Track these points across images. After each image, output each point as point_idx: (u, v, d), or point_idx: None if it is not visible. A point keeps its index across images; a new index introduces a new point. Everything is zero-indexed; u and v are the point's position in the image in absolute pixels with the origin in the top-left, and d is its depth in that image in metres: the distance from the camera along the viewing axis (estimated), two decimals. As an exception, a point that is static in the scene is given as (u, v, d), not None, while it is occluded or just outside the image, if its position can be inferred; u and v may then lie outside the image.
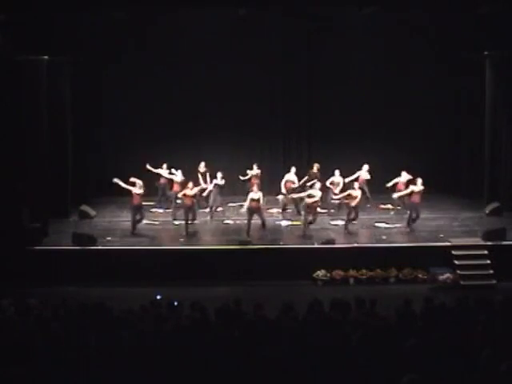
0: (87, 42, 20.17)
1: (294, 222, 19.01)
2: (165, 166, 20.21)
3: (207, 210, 19.83)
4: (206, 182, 19.86)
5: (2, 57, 17.43)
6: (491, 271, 16.40)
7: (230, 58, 21.58)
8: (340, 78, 21.77)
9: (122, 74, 21.49)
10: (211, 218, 19.49)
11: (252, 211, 17.70)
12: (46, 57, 18.52)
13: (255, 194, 17.70)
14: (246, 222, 17.83)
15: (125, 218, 19.56)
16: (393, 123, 21.91)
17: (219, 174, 19.67)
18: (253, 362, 7.28)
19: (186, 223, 17.98)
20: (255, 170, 20.31)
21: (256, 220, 17.76)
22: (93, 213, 19.99)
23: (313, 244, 17.37)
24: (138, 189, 17.96)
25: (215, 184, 19.66)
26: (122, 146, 21.98)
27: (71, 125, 20.25)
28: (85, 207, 19.96)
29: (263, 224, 17.76)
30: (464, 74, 21.26)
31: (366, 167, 20.13)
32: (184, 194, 18.08)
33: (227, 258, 16.75)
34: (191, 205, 18.15)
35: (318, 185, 18.04)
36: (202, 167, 20.26)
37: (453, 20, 20.08)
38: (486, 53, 19.62)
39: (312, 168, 20.33)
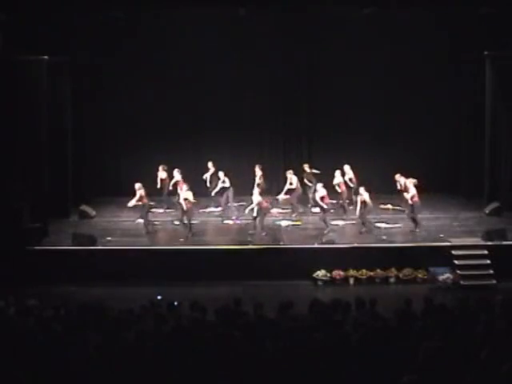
0: (87, 42, 20.17)
1: (294, 222, 19.01)
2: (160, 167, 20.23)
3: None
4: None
5: (2, 57, 17.44)
6: (491, 271, 16.41)
7: (230, 58, 21.57)
8: (340, 78, 21.77)
9: (122, 74, 21.49)
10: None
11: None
12: (45, 57, 18.51)
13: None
14: (246, 222, 17.87)
15: (125, 218, 19.58)
16: (392, 123, 21.90)
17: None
18: (253, 361, 7.28)
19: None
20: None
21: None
22: (93, 213, 19.99)
23: (313, 244, 17.40)
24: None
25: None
26: (122, 145, 21.98)
27: (71, 125, 20.25)
28: (85, 207, 19.96)
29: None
30: (464, 74, 21.26)
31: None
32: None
33: (227, 258, 16.76)
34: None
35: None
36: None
37: (453, 20, 20.08)
38: (486, 53, 19.61)
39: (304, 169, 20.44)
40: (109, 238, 17.82)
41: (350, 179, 19.73)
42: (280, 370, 7.09)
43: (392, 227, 18.57)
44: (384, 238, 17.81)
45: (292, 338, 7.80)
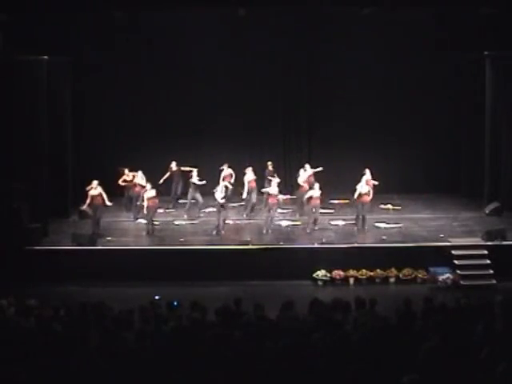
0: (87, 42, 20.14)
1: (295, 222, 19.01)
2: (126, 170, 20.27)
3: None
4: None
5: (2, 57, 17.44)
6: (491, 271, 16.42)
7: (229, 58, 21.57)
8: (340, 77, 21.76)
9: (122, 74, 21.48)
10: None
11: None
12: (45, 57, 18.51)
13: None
14: (245, 222, 17.91)
15: (125, 218, 19.59)
16: (392, 123, 21.89)
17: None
18: (253, 361, 7.28)
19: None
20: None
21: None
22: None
23: (313, 244, 17.40)
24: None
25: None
26: (122, 145, 21.96)
27: (71, 125, 20.26)
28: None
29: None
30: (464, 74, 21.26)
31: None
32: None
33: (227, 258, 16.76)
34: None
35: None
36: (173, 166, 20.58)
37: (453, 20, 20.06)
38: (486, 53, 19.61)
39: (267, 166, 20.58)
40: (109, 238, 17.83)
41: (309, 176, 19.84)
42: (280, 370, 7.09)
43: (392, 227, 18.57)
44: (384, 238, 17.81)
45: (292, 338, 7.80)
